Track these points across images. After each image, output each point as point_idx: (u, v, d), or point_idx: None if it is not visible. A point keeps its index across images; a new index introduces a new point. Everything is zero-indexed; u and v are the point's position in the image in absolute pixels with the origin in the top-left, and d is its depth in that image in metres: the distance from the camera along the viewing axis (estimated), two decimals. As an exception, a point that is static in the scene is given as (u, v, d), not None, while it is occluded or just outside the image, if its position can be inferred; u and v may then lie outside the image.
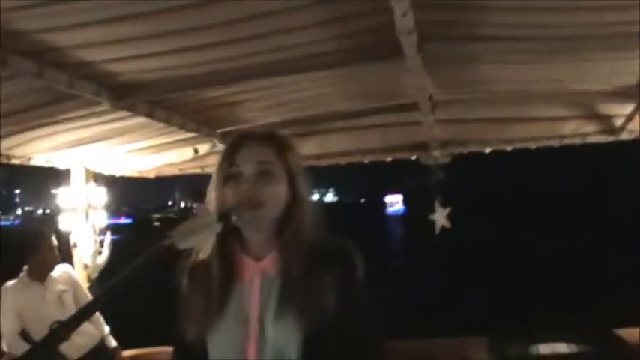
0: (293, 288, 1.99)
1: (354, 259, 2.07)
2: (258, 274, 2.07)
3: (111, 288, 1.74)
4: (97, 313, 5.64)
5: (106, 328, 5.76)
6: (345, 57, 4.06)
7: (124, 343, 6.10)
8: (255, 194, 2.00)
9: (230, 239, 2.09)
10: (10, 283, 5.40)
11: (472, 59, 4.34)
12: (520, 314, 14.35)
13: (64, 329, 1.73)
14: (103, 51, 3.67)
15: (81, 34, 3.36)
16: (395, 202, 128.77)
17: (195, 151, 6.39)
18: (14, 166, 5.89)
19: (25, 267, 5.45)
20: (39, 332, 5.00)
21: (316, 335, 1.93)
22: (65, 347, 5.05)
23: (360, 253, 2.07)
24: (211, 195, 2.10)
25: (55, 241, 5.56)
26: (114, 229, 6.84)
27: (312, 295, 1.96)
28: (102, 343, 5.64)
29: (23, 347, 5.04)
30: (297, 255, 2.02)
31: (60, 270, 5.57)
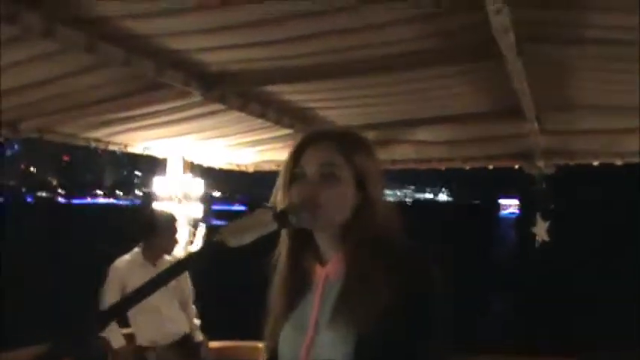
0: (350, 295, 1.84)
1: (424, 271, 1.88)
2: (322, 279, 1.96)
3: (159, 280, 1.65)
4: (192, 305, 5.65)
5: (197, 322, 5.74)
6: (441, 57, 3.86)
7: (212, 335, 6.07)
8: (315, 196, 1.87)
9: (302, 243, 1.98)
10: (123, 258, 5.42)
11: (577, 64, 4.04)
12: (613, 334, 13.60)
13: (115, 309, 1.69)
14: (192, 40, 3.61)
15: (169, 22, 3.31)
16: (509, 205, 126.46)
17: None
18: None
19: (139, 246, 5.45)
20: (136, 313, 5.12)
21: (367, 347, 1.77)
22: (154, 332, 5.07)
23: (435, 265, 1.88)
24: (277, 195, 1.96)
25: (176, 229, 5.60)
26: (227, 214, 6.85)
27: (369, 303, 1.79)
28: (189, 335, 5.63)
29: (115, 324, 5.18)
30: (359, 260, 1.87)
31: (170, 256, 5.57)
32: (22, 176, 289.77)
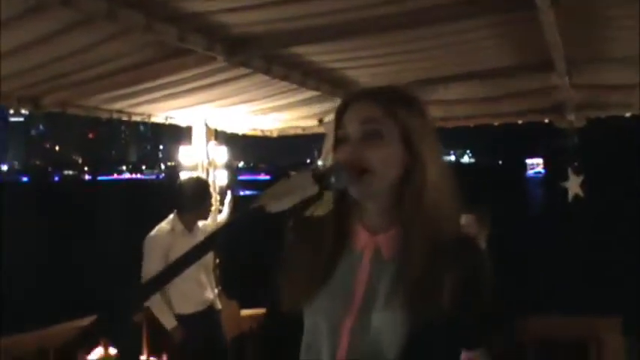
0: (409, 276, 1.74)
1: (481, 258, 1.84)
2: (371, 249, 1.84)
3: (201, 247, 1.60)
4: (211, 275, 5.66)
5: (216, 290, 5.74)
6: (472, 9, 3.71)
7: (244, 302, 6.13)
8: (358, 157, 1.76)
9: (347, 205, 1.87)
10: (161, 227, 5.40)
11: (611, 12, 3.89)
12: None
13: (160, 279, 1.61)
14: (214, 2, 3.51)
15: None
16: (536, 165, 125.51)
17: (320, 121, 6.23)
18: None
19: (174, 214, 5.45)
20: (177, 280, 5.15)
21: (425, 332, 1.70)
22: (190, 300, 5.05)
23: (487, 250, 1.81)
24: (325, 160, 1.88)
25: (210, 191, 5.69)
26: (253, 184, 6.83)
27: (430, 288, 1.72)
28: (212, 305, 5.64)
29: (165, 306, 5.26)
30: (418, 238, 1.76)
31: (201, 223, 5.58)
32: (47, 155, 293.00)
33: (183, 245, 5.00)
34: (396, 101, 1.83)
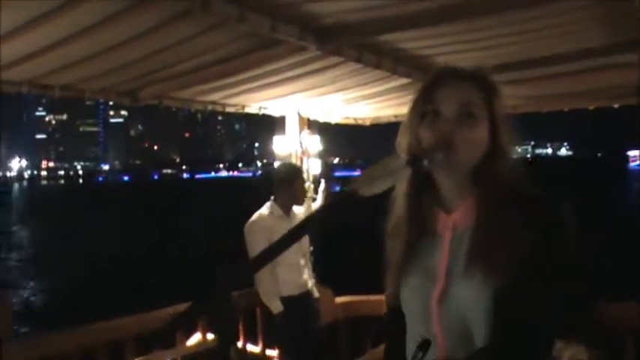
0: (485, 244, 1.77)
1: (559, 216, 1.80)
2: (450, 227, 1.88)
3: (297, 230, 1.67)
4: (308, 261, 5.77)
5: (312, 277, 5.85)
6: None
7: (338, 290, 6.21)
8: (452, 136, 1.78)
9: (422, 189, 1.90)
10: (261, 212, 5.61)
11: None
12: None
13: (260, 259, 1.68)
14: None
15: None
16: (638, 157, 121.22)
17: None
18: (253, 118, 6.16)
19: (271, 200, 5.65)
20: (281, 262, 5.27)
21: (507, 297, 1.71)
22: (292, 284, 5.17)
23: (569, 209, 1.78)
24: (403, 137, 1.89)
25: (305, 178, 5.85)
26: (348, 180, 6.86)
27: (507, 252, 1.73)
28: (310, 291, 5.74)
29: (267, 273, 5.40)
30: (492, 208, 1.80)
31: (298, 208, 5.74)
32: (146, 155, 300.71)
33: (282, 229, 5.10)
34: (492, 88, 1.88)
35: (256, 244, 5.30)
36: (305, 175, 6.41)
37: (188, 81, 5.00)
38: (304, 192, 5.76)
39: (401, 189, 1.91)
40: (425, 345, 1.76)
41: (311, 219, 1.68)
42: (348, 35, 4.25)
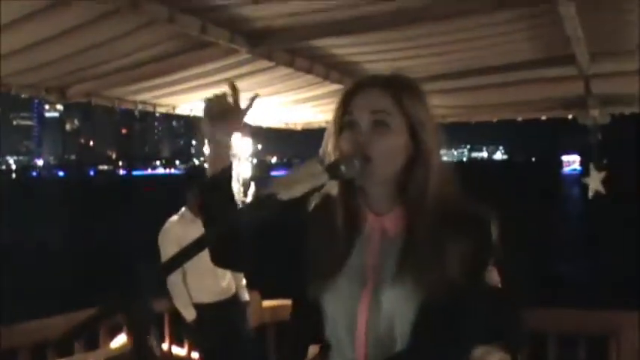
0: (415, 251, 1.79)
1: (489, 227, 1.83)
2: (378, 230, 1.88)
3: (211, 234, 1.71)
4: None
5: (243, 281, 5.80)
6: (493, 2, 3.71)
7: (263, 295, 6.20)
8: (366, 146, 1.79)
9: (353, 190, 1.89)
10: (172, 219, 5.58)
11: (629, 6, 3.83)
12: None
13: (168, 265, 1.62)
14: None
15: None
16: (572, 162, 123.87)
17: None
18: (191, 117, 6.11)
19: (186, 205, 5.60)
20: (193, 268, 5.22)
21: (434, 305, 1.73)
22: (210, 291, 5.08)
23: (498, 220, 1.81)
24: (326, 144, 1.88)
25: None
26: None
27: (436, 261, 1.75)
28: (235, 296, 5.72)
29: (179, 281, 5.38)
30: (422, 215, 1.80)
31: None
32: (82, 151, 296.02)
33: (194, 233, 5.08)
34: (405, 91, 1.86)
35: (167, 253, 5.28)
36: (236, 179, 6.38)
37: (118, 80, 4.93)
38: None
39: (332, 189, 1.89)
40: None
41: (228, 222, 1.66)
42: (279, 39, 4.25)
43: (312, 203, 1.96)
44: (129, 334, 5.45)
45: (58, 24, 3.65)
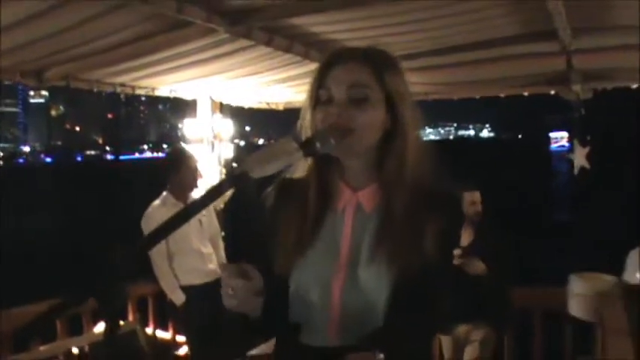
0: (391, 228, 1.77)
1: (460, 205, 1.89)
2: (353, 205, 1.86)
3: (183, 214, 1.61)
4: (222, 251, 5.73)
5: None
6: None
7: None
8: (344, 120, 1.76)
9: (328, 164, 1.87)
10: (154, 203, 5.55)
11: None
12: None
13: (145, 242, 1.65)
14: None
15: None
16: (560, 138, 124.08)
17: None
18: (176, 99, 6.07)
19: (167, 188, 5.59)
20: (179, 250, 5.21)
21: (409, 282, 1.72)
22: (196, 272, 5.06)
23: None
24: (302, 120, 1.85)
25: (196, 163, 5.65)
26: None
27: (412, 237, 1.74)
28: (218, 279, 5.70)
29: (165, 264, 5.39)
30: (398, 192, 1.79)
31: (196, 194, 5.66)
32: (68, 136, 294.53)
33: None
34: (382, 65, 1.83)
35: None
36: (217, 161, 6.36)
37: (95, 62, 4.87)
38: (194, 177, 5.59)
39: (306, 163, 1.87)
40: None
41: (203, 200, 1.63)
42: (257, 18, 4.19)
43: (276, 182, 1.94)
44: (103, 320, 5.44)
45: (30, 6, 3.57)
